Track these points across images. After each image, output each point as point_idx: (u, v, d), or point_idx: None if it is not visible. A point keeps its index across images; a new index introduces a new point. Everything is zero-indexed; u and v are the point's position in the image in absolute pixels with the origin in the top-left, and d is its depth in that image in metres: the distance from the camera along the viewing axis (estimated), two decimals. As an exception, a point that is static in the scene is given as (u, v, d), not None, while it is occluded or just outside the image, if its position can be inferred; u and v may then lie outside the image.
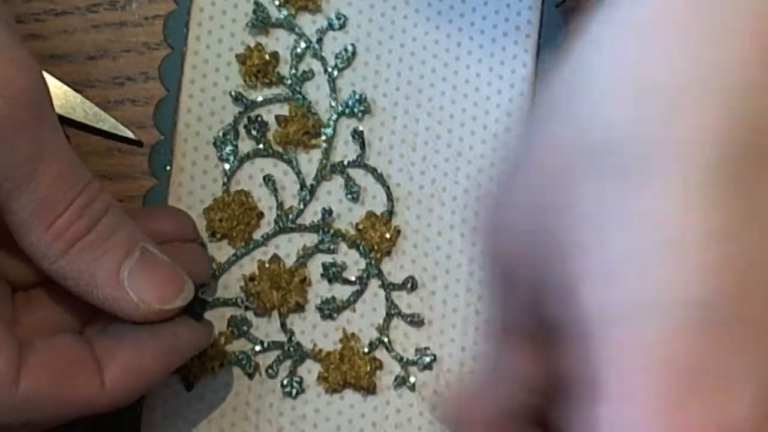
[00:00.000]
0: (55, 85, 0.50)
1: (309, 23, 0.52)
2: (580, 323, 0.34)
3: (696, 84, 0.33)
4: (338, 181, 0.51)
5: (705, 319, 0.32)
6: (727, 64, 0.33)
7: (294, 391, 0.50)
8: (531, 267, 0.37)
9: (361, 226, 0.51)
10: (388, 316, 0.51)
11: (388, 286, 0.51)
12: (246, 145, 0.51)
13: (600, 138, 0.34)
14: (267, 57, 0.51)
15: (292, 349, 0.50)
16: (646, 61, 0.34)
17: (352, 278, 0.51)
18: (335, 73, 0.52)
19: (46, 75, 0.49)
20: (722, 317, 0.32)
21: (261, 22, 0.51)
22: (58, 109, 0.49)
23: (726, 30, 0.33)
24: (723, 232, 0.32)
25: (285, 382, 0.50)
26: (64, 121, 0.50)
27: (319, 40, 0.52)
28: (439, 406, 0.50)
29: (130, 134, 0.50)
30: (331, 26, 0.52)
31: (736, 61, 0.33)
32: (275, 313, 0.50)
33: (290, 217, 0.51)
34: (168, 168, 0.50)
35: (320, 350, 0.50)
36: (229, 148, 0.50)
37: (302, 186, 0.51)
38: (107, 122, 0.50)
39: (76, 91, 0.50)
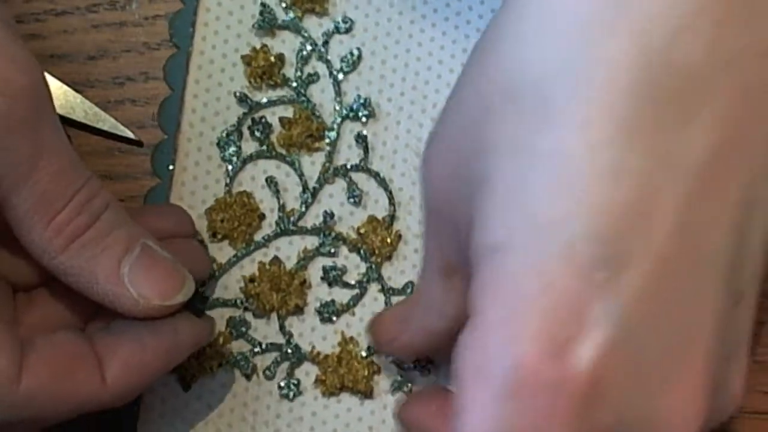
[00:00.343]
0: (55, 85, 0.50)
1: (315, 26, 0.52)
2: (474, 254, 0.36)
3: (608, 22, 0.33)
4: (341, 184, 0.51)
5: (575, 256, 0.33)
6: (646, 2, 0.33)
7: (291, 394, 0.50)
8: (456, 202, 0.38)
9: (362, 230, 0.51)
10: None
11: (388, 291, 0.51)
12: (249, 147, 0.51)
13: (516, 75, 0.35)
14: (272, 59, 0.51)
15: (290, 351, 0.50)
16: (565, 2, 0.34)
17: (352, 282, 0.51)
18: (340, 76, 0.52)
19: (46, 75, 0.49)
20: (592, 256, 0.33)
21: (267, 24, 0.51)
22: (58, 109, 0.49)
23: None
24: (610, 173, 0.33)
25: (282, 384, 0.50)
26: (64, 121, 0.49)
27: (325, 43, 0.52)
28: (371, 329, 0.50)
29: (130, 134, 0.50)
30: (337, 29, 0.52)
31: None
32: (274, 315, 0.50)
33: (292, 219, 0.51)
34: (171, 168, 0.50)
35: (318, 353, 0.50)
36: (232, 149, 0.50)
37: (304, 188, 0.51)
38: (107, 122, 0.50)
39: (76, 91, 0.50)
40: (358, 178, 0.51)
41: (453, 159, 0.39)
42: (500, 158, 0.35)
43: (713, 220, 0.34)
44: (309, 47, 0.52)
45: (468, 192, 0.37)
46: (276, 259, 0.50)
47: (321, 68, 0.52)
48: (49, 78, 0.49)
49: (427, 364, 0.51)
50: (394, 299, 0.51)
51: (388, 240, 0.51)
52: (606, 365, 0.33)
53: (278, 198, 0.51)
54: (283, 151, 0.51)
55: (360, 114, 0.51)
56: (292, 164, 0.51)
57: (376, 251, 0.51)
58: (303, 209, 0.51)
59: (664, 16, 0.33)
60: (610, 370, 0.33)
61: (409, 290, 0.51)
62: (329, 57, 0.52)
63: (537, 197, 0.34)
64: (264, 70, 0.51)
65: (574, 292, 0.33)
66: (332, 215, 0.51)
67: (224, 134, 0.51)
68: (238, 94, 0.51)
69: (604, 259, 0.33)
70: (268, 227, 0.51)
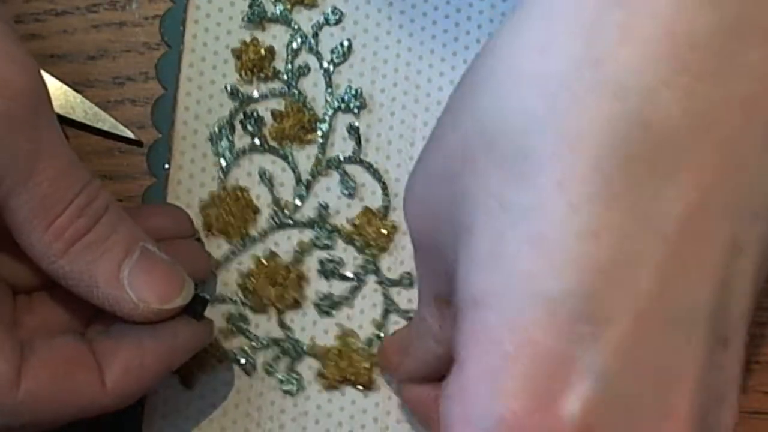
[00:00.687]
0: (55, 86, 0.50)
1: (305, 18, 0.52)
2: (457, 303, 0.36)
3: (583, 79, 0.33)
4: (334, 176, 0.51)
5: (556, 312, 0.33)
6: (621, 59, 0.33)
7: (294, 389, 0.50)
8: (439, 243, 0.38)
9: (357, 222, 0.51)
10: (386, 312, 0.51)
11: (385, 282, 0.51)
12: (242, 141, 0.51)
13: (495, 129, 0.35)
14: (263, 52, 0.51)
15: (290, 345, 0.50)
16: (544, 54, 0.34)
17: (349, 274, 0.51)
18: (331, 68, 0.51)
19: (45, 75, 0.49)
20: (574, 312, 0.33)
21: (257, 17, 0.51)
22: (58, 109, 0.49)
23: (625, 28, 0.33)
24: (590, 230, 0.33)
25: (283, 379, 0.50)
26: (64, 121, 0.50)
27: (315, 35, 0.52)
28: (378, 356, 0.50)
29: (129, 134, 0.50)
30: (327, 21, 0.52)
31: (631, 56, 0.33)
32: (273, 310, 0.50)
33: (286, 212, 0.51)
34: (166, 166, 0.50)
35: (318, 347, 0.50)
36: (224, 143, 0.50)
37: (298, 181, 0.51)
38: (107, 122, 0.50)
39: (76, 91, 0.50)
40: (352, 169, 0.51)
41: (432, 203, 0.39)
42: (480, 211, 0.35)
43: (694, 274, 0.34)
44: (299, 39, 0.51)
45: (450, 236, 0.37)
46: (272, 254, 0.50)
47: (311, 60, 0.52)
48: (49, 78, 0.50)
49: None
50: (392, 290, 0.51)
51: (384, 231, 0.51)
52: (592, 417, 0.33)
53: (272, 192, 0.51)
54: (276, 145, 0.51)
55: (352, 105, 0.51)
56: (285, 157, 0.51)
57: (372, 243, 0.51)
58: (297, 202, 0.51)
59: (640, 73, 0.33)
60: (597, 421, 0.33)
61: (406, 281, 0.51)
62: (319, 49, 0.52)
63: (517, 253, 0.34)
64: (254, 63, 0.51)
65: (556, 346, 0.33)
66: (327, 207, 0.51)
67: (216, 129, 0.51)
68: (229, 87, 0.51)
69: (585, 314, 0.33)
70: (263, 221, 0.51)
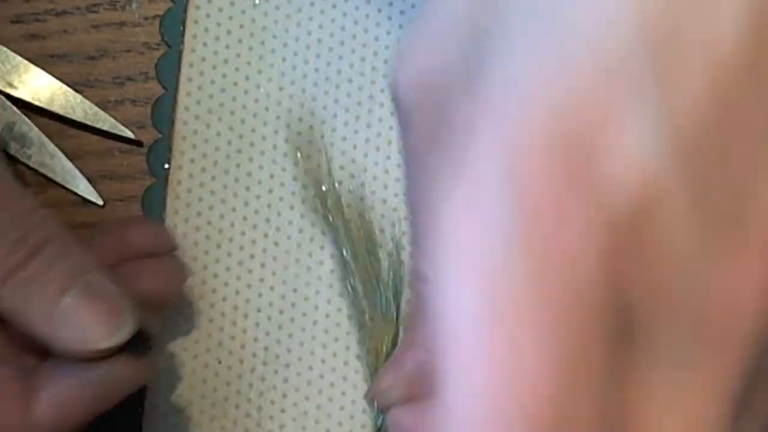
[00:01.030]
0: (55, 85, 0.50)
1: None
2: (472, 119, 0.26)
3: None
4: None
5: (605, 48, 0.24)
6: None
7: None
8: (442, 87, 0.29)
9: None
10: None
11: None
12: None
13: None
14: None
15: None
16: None
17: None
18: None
19: (46, 75, 0.49)
20: (630, 48, 0.24)
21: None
22: (58, 109, 0.49)
23: None
24: None
25: None
26: (64, 121, 0.50)
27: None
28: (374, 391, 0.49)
29: (129, 134, 0.50)
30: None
31: None
32: None
33: None
34: (166, 166, 0.50)
35: None
36: None
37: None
38: (107, 122, 0.50)
39: (76, 91, 0.50)
40: None
41: (446, 45, 0.29)
42: (519, 20, 0.26)
43: None
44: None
45: (465, 62, 0.28)
46: None
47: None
48: (49, 78, 0.50)
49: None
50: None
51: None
52: (656, 182, 0.24)
53: None
54: None
55: None
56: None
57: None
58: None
59: None
60: (661, 189, 0.24)
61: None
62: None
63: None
64: None
65: (602, 83, 0.24)
66: None
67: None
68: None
69: (647, 49, 0.24)
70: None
